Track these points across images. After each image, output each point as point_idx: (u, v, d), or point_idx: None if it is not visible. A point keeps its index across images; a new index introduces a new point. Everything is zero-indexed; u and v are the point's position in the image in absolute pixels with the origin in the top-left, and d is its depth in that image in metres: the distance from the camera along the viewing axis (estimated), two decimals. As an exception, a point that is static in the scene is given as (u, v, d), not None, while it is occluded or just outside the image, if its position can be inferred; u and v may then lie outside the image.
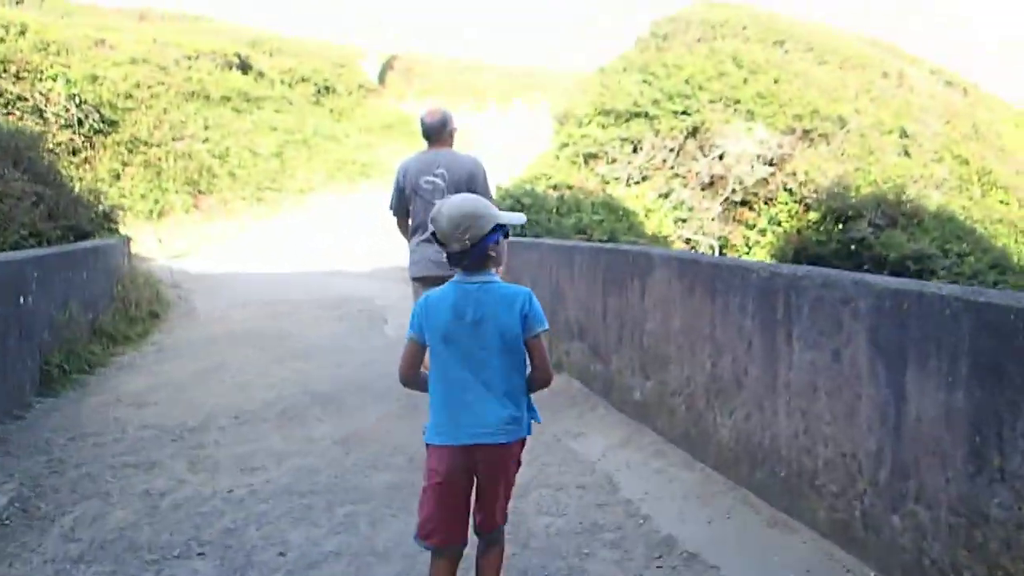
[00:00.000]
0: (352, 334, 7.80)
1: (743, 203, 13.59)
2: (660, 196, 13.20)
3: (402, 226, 5.23)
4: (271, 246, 14.12)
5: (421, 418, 2.70)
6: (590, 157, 13.25)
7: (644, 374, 4.99)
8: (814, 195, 12.76)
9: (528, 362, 2.50)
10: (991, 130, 18.25)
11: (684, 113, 12.97)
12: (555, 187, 12.27)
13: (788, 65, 14.36)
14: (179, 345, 7.33)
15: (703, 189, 13.37)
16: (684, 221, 13.34)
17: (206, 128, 17.70)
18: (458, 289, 2.44)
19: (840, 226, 13.28)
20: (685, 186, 13.23)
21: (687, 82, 12.99)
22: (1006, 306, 2.38)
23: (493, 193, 5.37)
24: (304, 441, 4.69)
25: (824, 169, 12.74)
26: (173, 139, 16.88)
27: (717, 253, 12.72)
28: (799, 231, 13.50)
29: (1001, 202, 15.27)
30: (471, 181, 4.83)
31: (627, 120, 13.12)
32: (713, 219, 13.39)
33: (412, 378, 2.55)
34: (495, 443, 2.42)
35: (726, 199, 13.13)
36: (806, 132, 13.35)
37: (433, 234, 2.43)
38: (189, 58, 19.79)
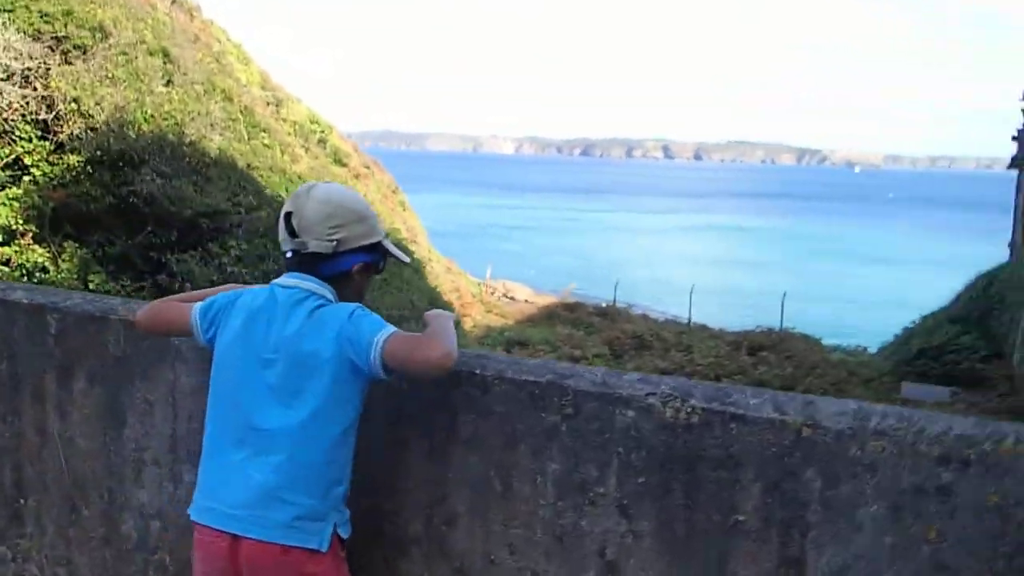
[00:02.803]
0: None
1: (-33, 139, 9.78)
2: None
3: None
4: None
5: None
6: None
7: None
8: (88, 132, 9.91)
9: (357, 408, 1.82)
10: (229, 62, 17.67)
11: None
12: None
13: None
14: None
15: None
16: None
17: None
18: (274, 293, 1.83)
19: (114, 175, 10.78)
20: None
21: None
22: None
23: None
24: None
25: (99, 95, 9.98)
26: None
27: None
28: (59, 183, 10.47)
29: (265, 146, 14.80)
30: None
31: None
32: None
33: (145, 320, 2.06)
34: (253, 538, 1.71)
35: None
36: (58, 41, 10.23)
37: (288, 216, 1.80)
38: None
